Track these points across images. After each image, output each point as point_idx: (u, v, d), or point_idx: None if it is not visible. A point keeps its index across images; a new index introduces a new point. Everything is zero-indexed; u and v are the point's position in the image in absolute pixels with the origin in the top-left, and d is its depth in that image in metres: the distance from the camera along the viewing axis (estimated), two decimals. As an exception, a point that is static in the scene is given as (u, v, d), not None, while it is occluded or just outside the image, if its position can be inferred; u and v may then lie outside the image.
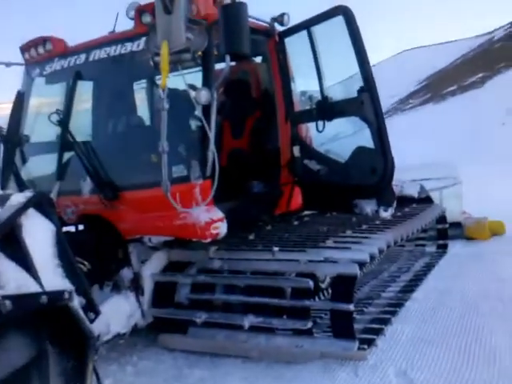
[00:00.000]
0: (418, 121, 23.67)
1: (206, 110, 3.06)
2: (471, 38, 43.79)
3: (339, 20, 3.47)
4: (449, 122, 20.73)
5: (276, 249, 3.29)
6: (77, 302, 1.95)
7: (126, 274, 3.37)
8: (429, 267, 5.14)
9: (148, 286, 3.37)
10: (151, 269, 3.42)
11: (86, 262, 3.05)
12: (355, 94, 3.54)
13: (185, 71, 2.93)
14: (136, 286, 3.35)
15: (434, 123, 21.53)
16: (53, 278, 1.89)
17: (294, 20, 3.95)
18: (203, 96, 2.95)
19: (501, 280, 4.43)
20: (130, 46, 3.46)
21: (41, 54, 3.90)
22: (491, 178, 10.92)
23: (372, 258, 3.26)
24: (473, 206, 6.78)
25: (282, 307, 3.10)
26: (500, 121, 18.56)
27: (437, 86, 32.14)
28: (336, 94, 3.88)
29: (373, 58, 3.51)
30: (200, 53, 2.85)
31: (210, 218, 3.13)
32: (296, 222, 4.49)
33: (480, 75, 27.98)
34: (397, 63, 42.22)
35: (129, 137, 3.91)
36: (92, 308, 2.15)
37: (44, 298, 1.76)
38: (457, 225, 6.42)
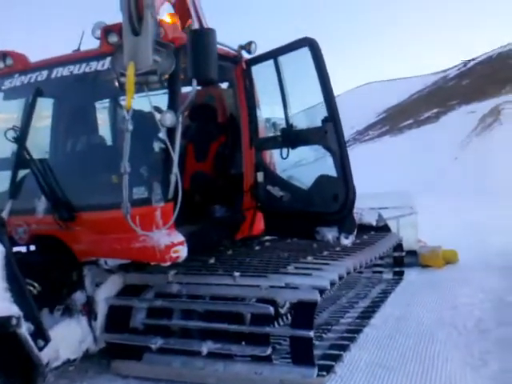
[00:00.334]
0: (375, 151, 24.50)
1: (171, 132, 3.04)
2: (426, 75, 46.12)
3: (305, 51, 3.58)
4: (405, 154, 21.56)
5: (237, 274, 3.26)
6: (25, 329, 1.86)
7: (79, 297, 3.24)
8: (386, 294, 5.23)
9: (102, 310, 3.24)
10: (106, 292, 3.30)
11: (36, 284, 2.91)
12: (319, 123, 3.62)
13: (150, 93, 2.92)
14: (89, 310, 3.22)
15: (390, 154, 22.35)
16: (0, 302, 1.79)
17: (260, 49, 4.05)
18: (168, 119, 2.94)
19: (454, 307, 4.56)
20: (94, 65, 3.42)
21: (0, 68, 3.79)
22: (444, 209, 11.38)
23: (332, 284, 3.28)
24: (427, 235, 7.01)
25: (241, 333, 3.05)
26: (453, 155, 19.47)
27: (394, 120, 33.48)
28: (300, 121, 3.96)
29: (335, 90, 3.62)
30: (167, 75, 2.85)
31: (171, 242, 3.08)
32: (257, 247, 4.48)
33: (435, 111, 29.41)
34: (356, 96, 43.79)
35: (89, 156, 3.82)
36: (41, 335, 2.04)
37: None
38: (412, 253, 6.62)
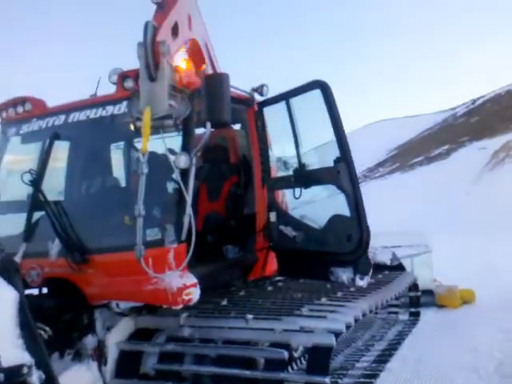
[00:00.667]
0: (386, 189, 24.41)
1: (185, 174, 3.08)
2: (436, 112, 46.55)
3: (317, 93, 3.64)
4: (416, 191, 21.44)
5: (250, 316, 3.20)
6: (36, 378, 1.82)
7: (90, 341, 3.20)
8: (402, 335, 5.07)
9: (112, 354, 3.19)
10: (117, 336, 3.26)
11: (47, 328, 2.89)
12: (331, 163, 3.64)
13: (165, 135, 2.98)
14: (99, 355, 3.17)
15: (401, 192, 22.23)
16: (12, 349, 1.78)
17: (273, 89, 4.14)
18: (182, 161, 2.98)
19: (474, 350, 4.40)
20: (110, 110, 3.51)
21: (19, 113, 3.90)
22: (458, 246, 11.17)
23: (348, 327, 3.20)
24: (442, 273, 6.86)
25: (254, 379, 2.96)
26: (465, 190, 19.32)
27: (404, 157, 33.54)
28: (312, 160, 3.98)
29: (346, 127, 3.65)
30: (181, 119, 2.91)
31: (183, 284, 3.05)
32: (270, 288, 4.41)
33: (445, 147, 29.44)
34: (366, 133, 44.17)
35: (102, 198, 3.86)
36: (51, 383, 2.00)
37: (0, 376, 1.64)
38: (428, 292, 6.46)
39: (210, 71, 3.87)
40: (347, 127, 3.67)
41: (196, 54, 4.22)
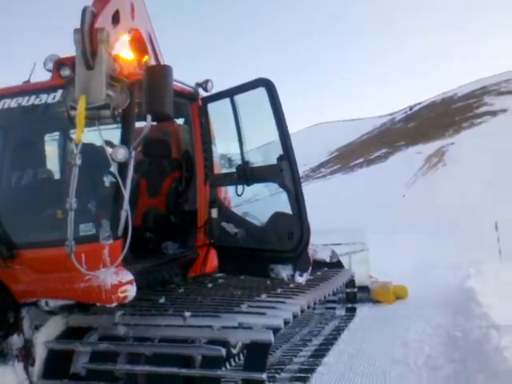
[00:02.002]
0: (327, 189, 25.07)
1: (122, 167, 2.97)
2: (375, 117, 48.48)
3: (261, 91, 3.64)
4: (356, 192, 22.19)
5: (188, 314, 3.15)
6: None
7: (16, 341, 3.02)
8: (339, 331, 5.22)
9: (40, 354, 3.02)
10: (45, 336, 3.08)
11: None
12: (274, 160, 3.66)
13: (102, 127, 2.86)
14: (26, 355, 2.99)
15: (342, 192, 22.93)
16: None
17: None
18: (120, 153, 2.87)
19: (406, 344, 4.61)
20: (44, 98, 3.32)
21: None
22: (393, 245, 11.68)
23: (286, 323, 3.23)
24: (378, 271, 7.14)
25: (191, 377, 2.92)
26: (401, 192, 20.22)
27: (345, 158, 34.65)
28: (255, 158, 3.99)
29: (290, 128, 3.69)
30: (120, 110, 2.81)
31: (118, 281, 2.94)
32: (210, 285, 4.37)
33: (383, 150, 30.72)
34: (309, 135, 45.18)
35: (33, 191, 3.65)
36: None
37: None
38: (364, 288, 6.70)
39: (153, 63, 3.76)
40: (291, 128, 3.72)
41: (139, 44, 4.08)
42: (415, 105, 44.60)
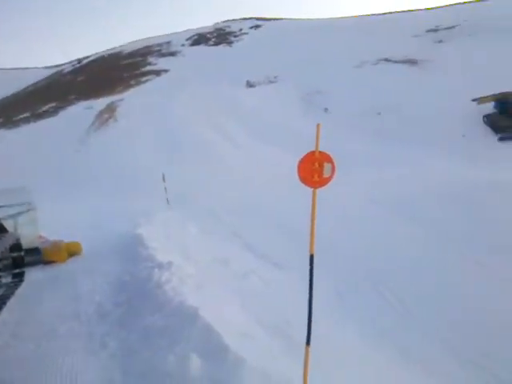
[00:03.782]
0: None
1: None
2: (39, 68, 44.54)
3: None
4: (22, 149, 20.14)
5: None
6: None
7: None
8: (3, 299, 4.73)
9: None
10: None
11: None
12: None
13: None
14: None
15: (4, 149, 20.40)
16: None
17: None
18: None
19: (77, 298, 4.58)
20: None
21: None
22: (67, 202, 11.31)
23: None
24: (50, 230, 6.79)
25: None
26: (74, 149, 19.47)
27: (8, 112, 30.64)
28: None
29: None
30: None
31: None
32: None
33: (53, 104, 28.70)
34: None
35: None
36: None
37: None
38: (35, 250, 6.26)
39: None
40: None
41: None
42: (84, 58, 43.35)
